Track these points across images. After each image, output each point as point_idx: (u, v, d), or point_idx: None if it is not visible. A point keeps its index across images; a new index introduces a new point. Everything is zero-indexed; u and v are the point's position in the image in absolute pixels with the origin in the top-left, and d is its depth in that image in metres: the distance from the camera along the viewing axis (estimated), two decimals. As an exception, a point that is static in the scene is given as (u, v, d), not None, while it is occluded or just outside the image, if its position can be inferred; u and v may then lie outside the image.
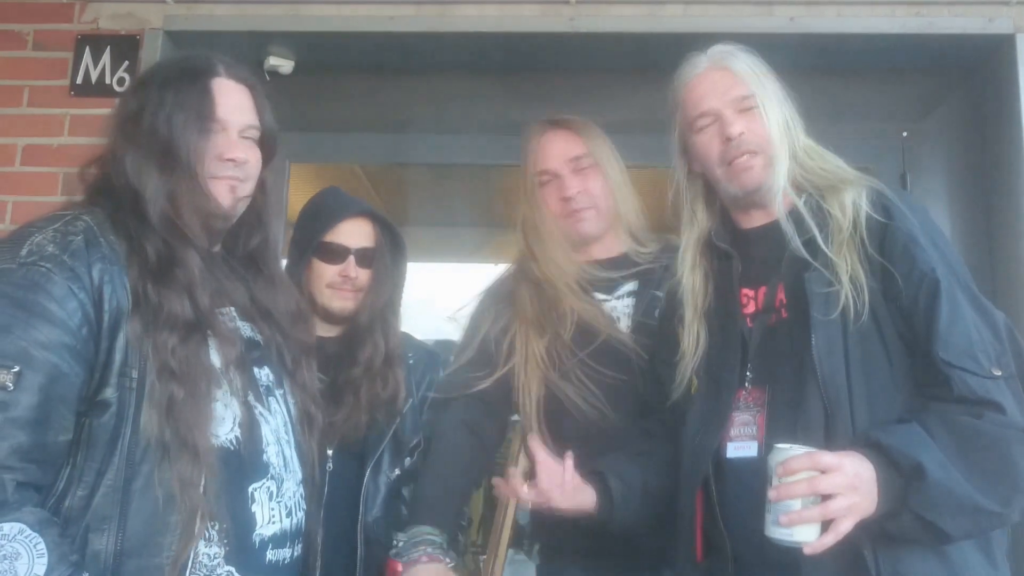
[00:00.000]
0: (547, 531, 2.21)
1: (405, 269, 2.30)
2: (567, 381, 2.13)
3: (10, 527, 1.31)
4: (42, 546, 1.32)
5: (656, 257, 2.21)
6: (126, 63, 3.05)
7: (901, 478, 1.44)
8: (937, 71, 3.20)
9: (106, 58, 3.06)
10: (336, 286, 2.19)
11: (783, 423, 1.60)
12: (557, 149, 2.19)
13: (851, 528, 1.41)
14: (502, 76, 3.31)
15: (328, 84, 3.34)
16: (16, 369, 1.35)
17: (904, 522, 1.45)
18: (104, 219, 1.52)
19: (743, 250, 1.78)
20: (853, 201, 1.65)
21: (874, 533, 1.47)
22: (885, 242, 1.61)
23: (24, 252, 1.42)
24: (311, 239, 2.21)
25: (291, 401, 1.71)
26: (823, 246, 1.62)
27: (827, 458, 1.42)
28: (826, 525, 1.41)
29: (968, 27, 2.98)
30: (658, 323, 2.02)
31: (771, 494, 1.44)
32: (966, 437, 1.46)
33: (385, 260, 2.24)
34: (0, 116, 3.05)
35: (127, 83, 3.01)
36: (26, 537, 1.31)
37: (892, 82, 3.21)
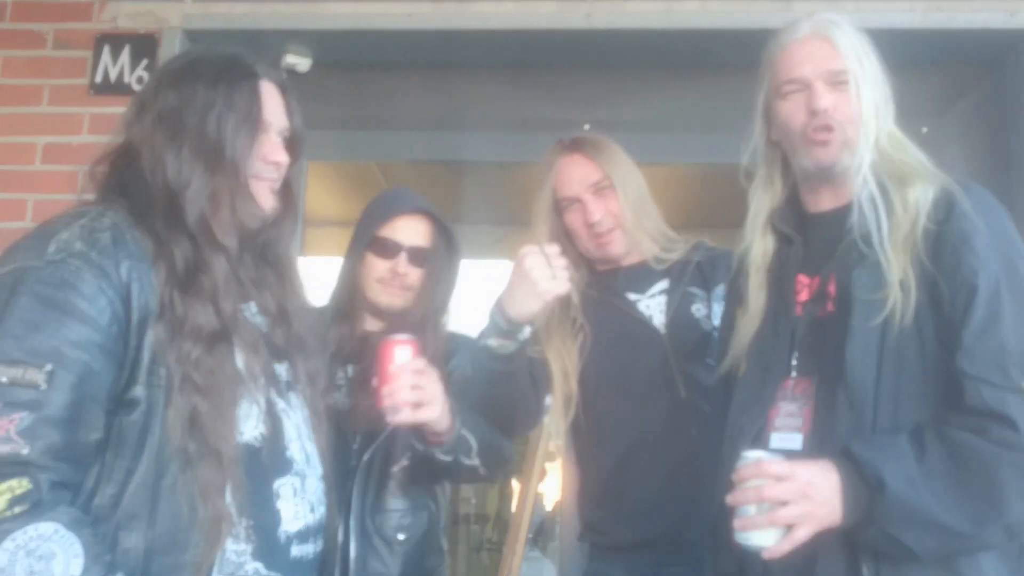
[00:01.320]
0: (595, 531, 2.22)
1: (458, 272, 2.27)
2: (599, 383, 2.14)
3: (46, 527, 1.30)
4: (78, 546, 1.31)
5: (687, 255, 2.21)
6: (145, 62, 3.07)
7: (868, 490, 1.43)
8: (957, 66, 3.18)
9: (125, 57, 3.07)
10: (385, 282, 2.16)
11: (825, 418, 1.58)
12: (576, 175, 2.18)
13: (809, 535, 1.43)
14: (519, 73, 3.30)
15: (345, 82, 3.34)
16: (49, 368, 1.34)
17: (873, 535, 1.44)
18: (126, 216, 1.50)
19: (807, 234, 1.72)
20: (918, 199, 1.59)
21: (870, 548, 1.47)
22: (938, 245, 1.54)
23: (51, 249, 1.41)
24: (366, 232, 2.20)
25: (308, 395, 1.72)
26: (877, 243, 1.57)
27: (776, 467, 1.45)
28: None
29: (989, 22, 2.95)
30: (728, 293, 1.98)
31: (728, 499, 1.49)
32: (956, 453, 1.43)
33: (441, 261, 2.21)
34: (20, 115, 3.07)
35: (148, 78, 3.02)
36: (61, 537, 1.31)
37: (911, 78, 3.13)
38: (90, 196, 1.57)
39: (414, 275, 2.17)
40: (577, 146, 2.22)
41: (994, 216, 1.59)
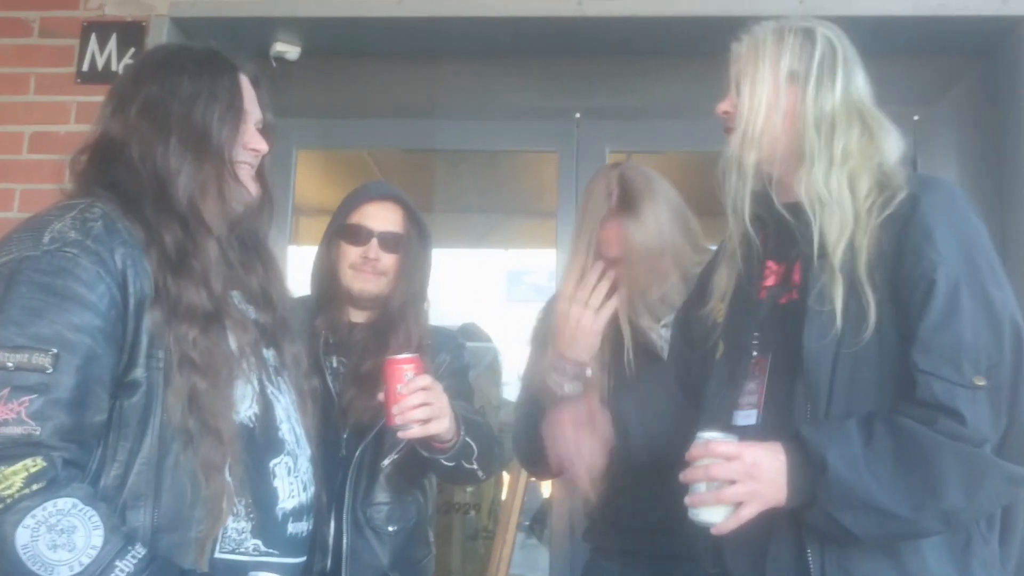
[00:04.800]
0: (597, 534, 2.23)
1: (431, 257, 2.30)
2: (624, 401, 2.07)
3: (64, 502, 1.34)
4: (96, 519, 1.36)
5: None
6: (132, 50, 3.04)
7: (812, 470, 1.47)
8: (949, 54, 3.17)
9: (112, 45, 3.05)
10: (358, 267, 2.20)
11: (779, 395, 1.62)
12: (616, 238, 2.08)
13: (754, 514, 1.48)
14: (511, 61, 3.29)
15: (335, 70, 3.34)
16: (54, 351, 1.37)
17: (816, 516, 1.48)
18: (115, 206, 1.53)
19: (777, 223, 1.73)
20: (873, 200, 1.60)
21: (814, 530, 1.51)
22: (901, 238, 1.56)
23: (46, 239, 1.44)
24: (338, 220, 2.24)
25: (294, 378, 1.76)
26: (827, 248, 1.59)
27: (724, 447, 1.51)
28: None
29: (982, 9, 2.94)
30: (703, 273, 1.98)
31: (680, 477, 1.54)
32: (900, 439, 1.46)
33: (413, 246, 2.24)
34: (7, 104, 3.05)
35: (121, 73, 3.00)
36: (80, 511, 1.35)
37: (903, 65, 3.17)
38: (68, 187, 1.60)
39: (386, 260, 2.20)
40: (625, 206, 2.09)
41: (958, 213, 1.60)
